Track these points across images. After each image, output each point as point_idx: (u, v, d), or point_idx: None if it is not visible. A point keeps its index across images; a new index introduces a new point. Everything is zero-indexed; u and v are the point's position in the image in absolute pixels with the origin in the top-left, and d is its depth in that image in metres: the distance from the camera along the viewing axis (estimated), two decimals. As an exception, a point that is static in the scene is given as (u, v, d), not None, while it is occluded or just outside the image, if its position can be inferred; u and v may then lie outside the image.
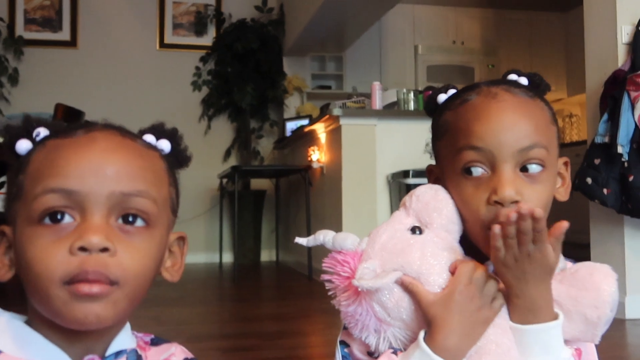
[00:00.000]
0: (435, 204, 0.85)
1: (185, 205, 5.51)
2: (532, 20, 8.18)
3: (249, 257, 6.28)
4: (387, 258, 0.82)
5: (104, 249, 0.65)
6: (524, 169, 0.83)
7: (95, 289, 0.64)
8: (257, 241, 6.40)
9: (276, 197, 6.49)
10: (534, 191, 0.82)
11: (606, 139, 3.07)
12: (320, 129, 4.93)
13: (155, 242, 0.71)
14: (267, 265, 6.28)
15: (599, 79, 3.29)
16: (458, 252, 0.84)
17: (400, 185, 4.10)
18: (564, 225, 0.78)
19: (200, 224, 6.52)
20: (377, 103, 4.65)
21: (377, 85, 4.70)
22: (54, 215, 0.66)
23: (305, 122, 5.78)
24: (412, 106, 4.64)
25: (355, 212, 4.32)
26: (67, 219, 0.66)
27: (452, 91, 0.93)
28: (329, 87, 7.17)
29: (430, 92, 0.96)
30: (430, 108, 0.95)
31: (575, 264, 0.86)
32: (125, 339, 0.74)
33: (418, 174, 3.91)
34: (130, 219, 0.69)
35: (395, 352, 0.80)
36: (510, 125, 0.83)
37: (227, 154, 6.69)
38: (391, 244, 0.83)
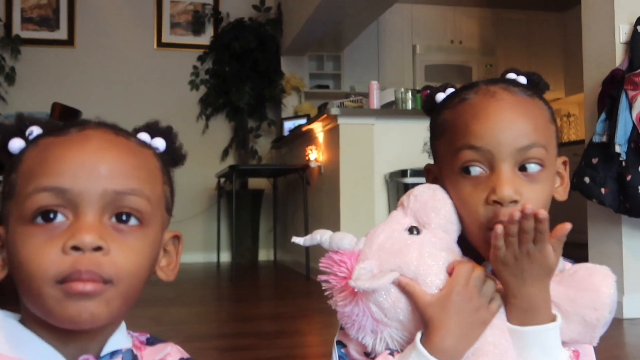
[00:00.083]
0: (433, 203, 0.85)
1: (183, 204, 5.57)
2: (530, 19, 8.18)
3: (247, 256, 6.27)
4: (385, 258, 0.81)
5: (97, 248, 0.64)
6: (522, 168, 0.82)
7: (88, 287, 0.63)
8: (255, 241, 6.40)
9: (274, 197, 6.49)
10: (532, 190, 0.81)
11: (604, 139, 3.07)
12: (318, 129, 4.92)
13: (149, 240, 0.71)
14: (265, 264, 6.27)
15: (596, 79, 3.29)
16: (456, 252, 0.83)
17: (398, 185, 4.09)
18: (567, 227, 0.77)
19: (198, 224, 6.51)
20: (375, 102, 4.64)
21: (374, 84, 4.69)
22: (47, 215, 0.65)
23: (303, 121, 5.77)
24: (410, 105, 4.64)
25: (353, 212, 4.32)
26: (60, 217, 0.65)
27: (450, 90, 0.93)
28: (327, 87, 7.17)
29: (429, 91, 0.95)
30: (428, 107, 0.95)
31: (574, 265, 0.86)
32: (120, 339, 0.73)
33: (416, 173, 3.91)
34: (124, 217, 0.68)
35: (392, 353, 0.80)
36: (509, 124, 0.82)
37: (225, 153, 6.69)
38: (388, 244, 0.82)
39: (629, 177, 2.97)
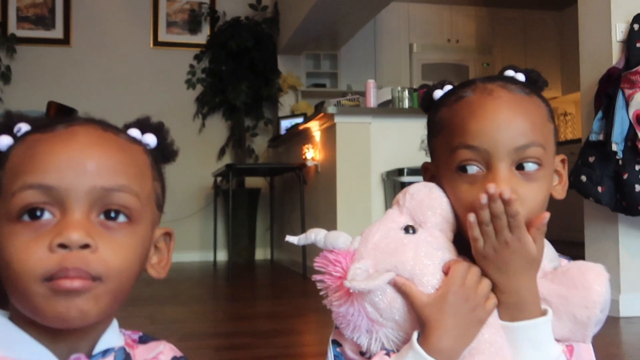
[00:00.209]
0: (429, 202, 0.84)
1: (180, 203, 5.56)
2: (527, 18, 8.18)
3: (244, 255, 6.26)
4: (380, 258, 0.80)
5: (85, 246, 0.63)
6: (519, 167, 0.81)
7: (76, 283, 0.62)
8: (252, 240, 6.39)
9: (271, 196, 6.48)
10: (529, 189, 0.81)
11: (601, 137, 3.07)
12: (315, 127, 4.92)
13: (139, 237, 0.70)
14: (262, 263, 6.27)
15: (593, 77, 3.29)
16: (452, 251, 0.82)
17: (395, 183, 4.09)
18: (545, 215, 0.78)
19: (195, 223, 6.50)
20: (372, 101, 4.64)
21: (371, 83, 4.69)
22: (33, 212, 0.64)
23: (299, 120, 5.77)
24: (406, 104, 4.63)
25: (349, 211, 4.32)
26: (47, 215, 0.65)
27: (448, 87, 0.92)
28: (324, 86, 7.16)
29: (426, 88, 0.94)
30: (426, 104, 0.94)
31: (568, 263, 0.85)
32: (112, 337, 0.72)
33: (413, 172, 3.91)
34: (112, 214, 0.67)
35: (387, 353, 0.79)
36: (506, 123, 0.81)
37: (222, 152, 6.68)
38: (384, 244, 0.81)
39: (625, 176, 2.97)
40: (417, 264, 0.79)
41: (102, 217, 0.67)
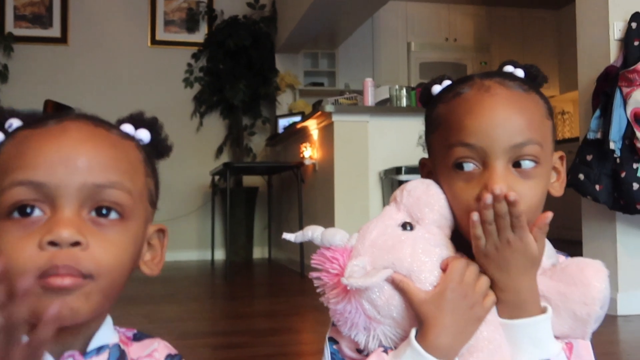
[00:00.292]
0: (426, 199, 0.83)
1: (177, 202, 5.54)
2: (525, 17, 8.19)
3: (241, 254, 6.26)
4: (378, 255, 0.80)
5: (75, 243, 0.62)
6: (516, 165, 0.81)
7: (66, 281, 0.62)
8: (250, 238, 6.38)
9: (268, 194, 6.47)
10: (526, 187, 0.80)
11: (598, 135, 3.07)
12: (313, 126, 4.91)
13: (131, 234, 0.69)
14: (260, 262, 6.26)
15: (591, 76, 3.29)
16: (450, 248, 0.82)
17: (393, 182, 4.09)
18: (548, 215, 0.77)
19: (192, 221, 6.50)
20: (370, 100, 4.64)
21: (369, 81, 4.69)
22: (23, 209, 0.64)
23: (297, 119, 5.76)
24: (404, 103, 4.63)
25: (347, 209, 4.31)
26: (37, 212, 0.64)
27: (446, 82, 0.91)
28: (322, 84, 7.16)
29: (425, 83, 0.94)
30: (424, 99, 0.93)
31: (567, 259, 0.85)
32: (106, 334, 0.72)
33: (410, 170, 3.90)
34: (104, 211, 0.66)
35: (385, 351, 0.79)
36: (503, 120, 0.80)
37: (219, 151, 6.67)
38: (381, 241, 0.81)
39: (623, 174, 2.97)
40: (414, 261, 0.78)
41: (93, 214, 0.66)
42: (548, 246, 0.85)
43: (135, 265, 0.72)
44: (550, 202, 0.85)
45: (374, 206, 4.30)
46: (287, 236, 0.84)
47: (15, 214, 0.64)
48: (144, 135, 0.75)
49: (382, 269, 0.78)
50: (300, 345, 2.80)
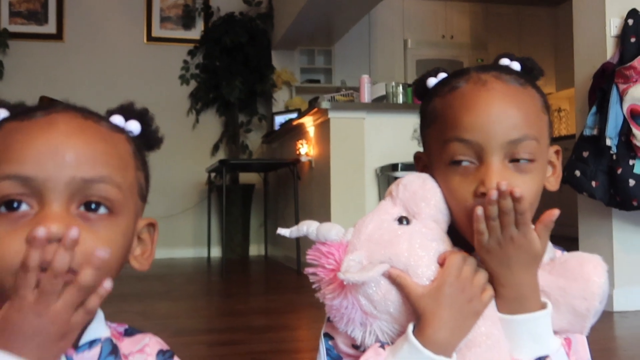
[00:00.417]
0: (423, 193, 0.83)
1: (173, 199, 5.52)
2: (521, 14, 8.19)
3: (238, 251, 6.25)
4: (374, 249, 0.79)
5: None
6: (512, 160, 0.80)
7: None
8: (246, 236, 6.38)
9: (265, 192, 6.46)
10: (523, 182, 0.79)
11: (595, 132, 3.07)
12: (309, 123, 4.91)
13: (120, 229, 0.68)
14: (256, 259, 6.26)
15: (587, 72, 3.29)
16: (447, 242, 0.81)
17: (389, 179, 4.08)
18: (555, 212, 0.76)
19: (189, 219, 6.49)
20: (366, 96, 4.63)
21: (365, 78, 4.68)
22: (10, 203, 0.62)
23: (293, 115, 5.75)
24: (400, 100, 4.63)
25: (343, 206, 4.31)
26: (24, 207, 0.63)
27: (442, 75, 0.90)
28: (318, 81, 7.15)
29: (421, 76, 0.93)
30: (419, 92, 0.92)
31: (565, 254, 0.85)
32: (98, 328, 0.71)
33: (407, 167, 3.90)
34: (93, 206, 0.65)
35: (382, 346, 0.78)
36: (499, 116, 0.79)
37: (216, 148, 6.66)
38: (378, 235, 0.80)
39: (619, 171, 2.98)
40: (411, 256, 0.77)
41: (82, 208, 0.65)
42: (546, 241, 0.84)
43: (125, 260, 0.72)
44: (546, 199, 0.84)
45: (370, 203, 4.30)
46: (282, 231, 0.84)
47: (2, 209, 0.63)
48: (134, 126, 0.74)
49: (379, 263, 0.77)
50: (297, 342, 2.80)
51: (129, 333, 0.76)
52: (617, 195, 3.01)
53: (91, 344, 0.69)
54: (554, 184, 0.88)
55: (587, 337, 0.86)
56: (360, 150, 4.34)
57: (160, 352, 0.76)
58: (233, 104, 6.51)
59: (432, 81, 0.90)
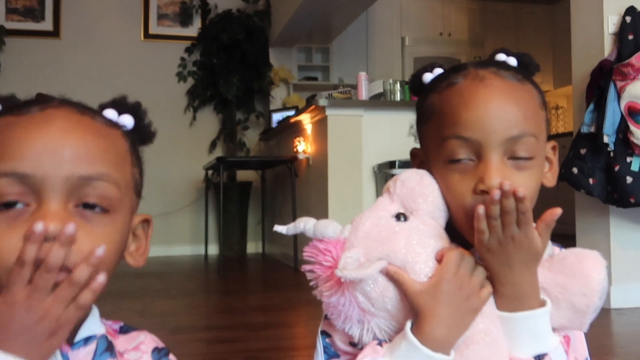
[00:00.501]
0: (420, 189, 0.82)
1: (171, 196, 5.51)
2: (519, 12, 8.19)
3: (235, 249, 6.25)
4: (371, 246, 0.78)
5: None
6: (512, 157, 0.80)
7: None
8: (243, 233, 6.37)
9: (262, 189, 6.46)
10: (522, 179, 0.79)
11: (592, 129, 3.07)
12: (306, 120, 4.90)
13: (118, 227, 0.67)
14: (253, 257, 6.25)
15: (585, 69, 3.28)
16: (445, 239, 0.81)
17: (387, 176, 4.08)
18: (557, 211, 0.76)
19: (186, 216, 6.48)
20: (364, 94, 4.63)
21: (363, 75, 4.67)
22: (7, 204, 0.62)
23: (291, 113, 5.75)
24: (398, 97, 4.62)
25: (341, 203, 4.31)
26: (20, 206, 0.62)
27: (438, 70, 0.89)
28: (316, 79, 7.14)
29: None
30: (415, 87, 0.92)
31: (563, 250, 0.84)
32: (93, 325, 0.70)
33: (404, 164, 3.90)
34: (91, 202, 0.65)
35: (380, 344, 0.78)
36: (498, 113, 0.79)
37: (213, 145, 6.65)
38: (375, 232, 0.79)
39: (617, 168, 2.98)
40: (409, 252, 0.77)
41: (80, 207, 0.64)
42: (545, 238, 0.84)
43: (121, 257, 0.71)
44: (544, 196, 0.84)
45: (367, 200, 4.29)
46: (279, 228, 0.83)
47: None
48: (127, 121, 0.73)
49: (376, 260, 0.77)
50: (294, 340, 2.80)
51: (124, 330, 0.75)
52: (614, 193, 3.01)
53: (87, 340, 0.69)
54: (551, 180, 0.88)
55: (585, 334, 0.86)
56: (357, 148, 4.34)
57: (156, 350, 0.75)
58: (230, 102, 6.50)
59: (428, 76, 0.90)
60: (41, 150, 0.63)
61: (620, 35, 3.12)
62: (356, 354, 0.78)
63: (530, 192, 0.79)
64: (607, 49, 3.19)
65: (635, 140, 2.93)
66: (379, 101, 4.62)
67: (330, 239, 0.80)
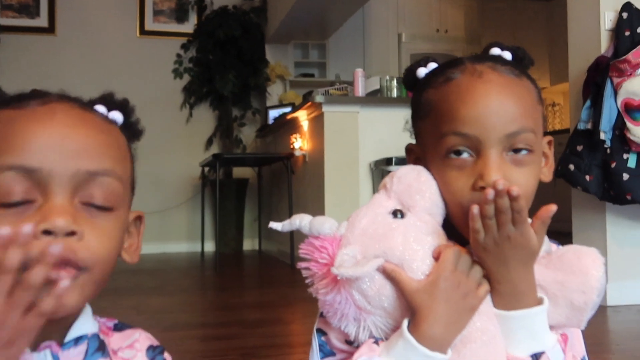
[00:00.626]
0: (417, 186, 0.81)
1: (167, 193, 5.50)
2: (516, 8, 8.19)
3: (231, 246, 6.24)
4: (368, 243, 0.78)
5: (71, 233, 0.60)
6: (510, 153, 0.79)
7: (62, 273, 0.59)
8: (240, 230, 6.37)
9: (258, 186, 6.45)
10: (521, 174, 0.79)
11: (589, 126, 3.07)
12: (303, 117, 4.89)
13: (120, 223, 0.67)
14: (250, 254, 6.25)
15: (582, 66, 3.28)
16: (442, 236, 0.80)
17: (383, 173, 4.08)
18: (552, 208, 0.75)
19: (182, 213, 6.47)
20: (360, 90, 4.62)
21: (359, 72, 4.67)
22: (13, 202, 0.61)
23: (287, 110, 5.74)
24: (395, 94, 4.62)
25: (337, 200, 4.30)
26: (28, 200, 0.61)
27: (432, 65, 0.88)
28: (312, 75, 7.13)
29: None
30: (409, 82, 0.91)
31: (561, 248, 0.84)
32: (85, 324, 0.69)
33: (401, 161, 3.89)
34: (98, 204, 0.64)
35: (376, 342, 0.77)
36: (497, 109, 0.78)
37: (209, 142, 6.64)
38: (372, 229, 0.78)
39: (613, 165, 2.97)
40: (406, 250, 0.76)
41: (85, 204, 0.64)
42: (542, 235, 0.83)
43: (119, 253, 0.71)
44: (540, 193, 0.83)
45: (364, 197, 4.29)
46: (274, 225, 0.82)
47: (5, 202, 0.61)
48: (117, 117, 0.73)
49: (373, 258, 0.76)
50: (290, 337, 2.79)
51: (118, 328, 0.75)
52: (611, 189, 3.01)
53: (77, 340, 0.68)
54: (547, 175, 0.87)
55: (582, 332, 0.86)
56: (354, 144, 4.33)
57: (150, 348, 0.75)
58: (227, 98, 6.49)
59: (422, 71, 0.89)
60: (47, 144, 0.62)
61: (616, 31, 3.12)
62: (352, 352, 0.77)
63: (529, 188, 0.79)
64: (604, 45, 3.19)
65: (631, 137, 2.93)
66: (376, 98, 4.61)
67: (327, 236, 0.79)
